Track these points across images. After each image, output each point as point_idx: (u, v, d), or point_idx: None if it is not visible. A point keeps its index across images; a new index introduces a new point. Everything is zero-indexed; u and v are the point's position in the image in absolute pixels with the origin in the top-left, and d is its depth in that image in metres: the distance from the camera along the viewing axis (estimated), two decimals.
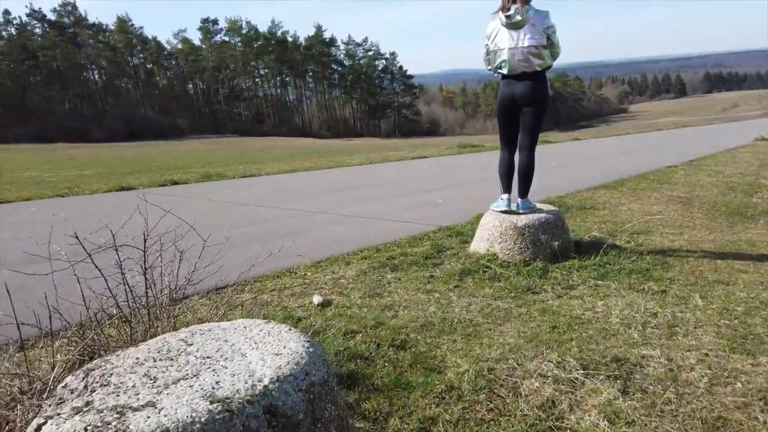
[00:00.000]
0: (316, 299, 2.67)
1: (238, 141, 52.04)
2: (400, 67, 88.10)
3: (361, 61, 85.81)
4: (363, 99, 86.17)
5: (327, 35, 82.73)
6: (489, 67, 3.65)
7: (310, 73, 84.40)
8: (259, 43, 78.57)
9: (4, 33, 66.53)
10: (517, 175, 3.66)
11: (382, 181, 8.29)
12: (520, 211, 3.60)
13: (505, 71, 3.53)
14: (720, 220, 4.69)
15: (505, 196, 3.66)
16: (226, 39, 78.33)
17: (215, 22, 77.16)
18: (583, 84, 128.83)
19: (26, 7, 68.80)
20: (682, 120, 68.78)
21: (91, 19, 73.10)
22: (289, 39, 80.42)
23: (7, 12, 67.09)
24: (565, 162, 10.42)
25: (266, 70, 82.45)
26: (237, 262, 3.44)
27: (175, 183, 8.18)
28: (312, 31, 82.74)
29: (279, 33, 79.73)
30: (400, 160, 12.29)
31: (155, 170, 14.32)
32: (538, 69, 3.46)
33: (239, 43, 78.72)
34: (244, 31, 78.03)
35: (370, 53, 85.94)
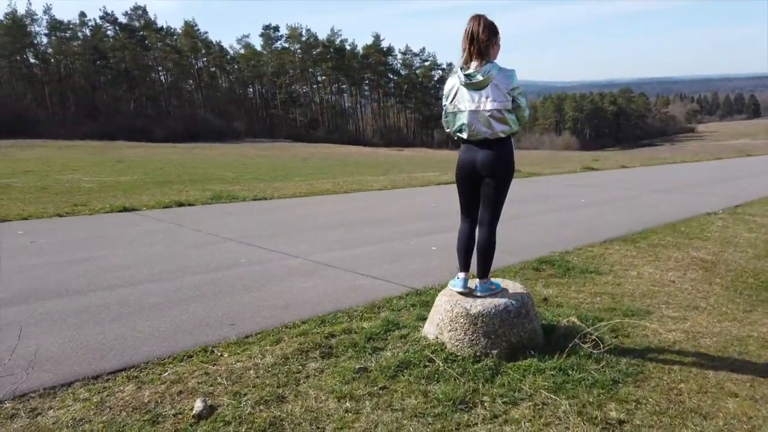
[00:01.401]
0: (197, 406, 2.30)
1: (290, 146, 52.76)
2: None
3: (417, 71, 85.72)
4: (417, 108, 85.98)
5: (384, 45, 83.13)
6: (448, 130, 3.20)
7: (366, 82, 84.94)
8: (318, 50, 79.81)
9: (79, 34, 70.29)
10: (476, 252, 3.18)
11: (388, 215, 7.88)
12: (478, 294, 3.11)
13: (464, 136, 3.08)
14: (740, 299, 4.02)
15: (461, 274, 3.19)
16: (286, 45, 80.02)
17: (276, 29, 78.95)
18: (648, 100, 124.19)
19: (100, 10, 72.13)
20: (752, 144, 64.83)
21: (160, 22, 76.06)
22: (348, 47, 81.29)
23: (82, 14, 70.93)
24: (596, 199, 9.69)
25: (323, 77, 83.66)
26: (149, 332, 3.12)
27: (181, 204, 8.05)
28: (370, 40, 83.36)
29: (338, 41, 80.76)
30: (425, 185, 11.82)
31: (187, 181, 14.43)
32: (502, 136, 2.99)
33: (299, 50, 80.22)
34: (303, 39, 79.46)
35: (427, 63, 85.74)
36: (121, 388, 2.48)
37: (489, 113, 2.93)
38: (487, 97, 2.93)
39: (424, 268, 4.79)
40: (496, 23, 2.98)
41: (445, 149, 70.34)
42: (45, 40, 68.47)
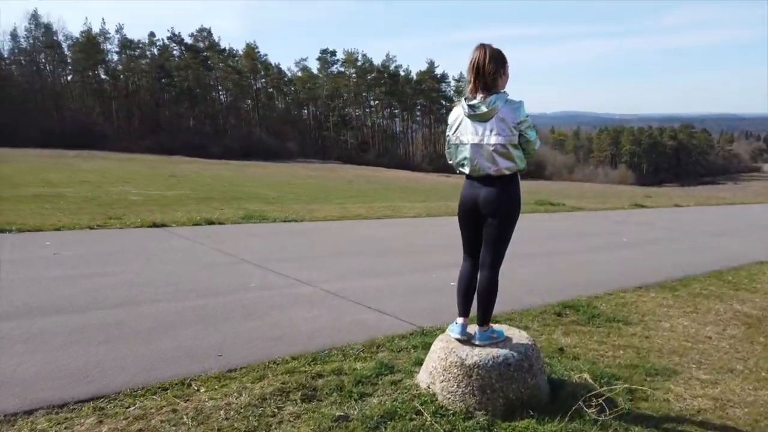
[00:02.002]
0: None
1: (339, 168, 53.35)
2: None
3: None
4: None
5: (438, 71, 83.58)
6: (451, 162, 3.01)
7: (419, 107, 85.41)
8: (373, 75, 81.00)
9: (147, 53, 73.95)
10: (476, 297, 2.94)
11: (415, 244, 7.67)
12: (476, 343, 2.86)
13: (466, 171, 2.87)
14: None
15: (460, 320, 2.95)
16: (342, 69, 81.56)
17: (333, 53, 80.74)
18: (711, 137, 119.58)
19: (168, 30, 75.79)
20: None
21: (223, 44, 79.10)
22: (401, 73, 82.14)
23: (152, 34, 74.74)
24: (639, 238, 9.17)
25: (376, 102, 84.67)
26: (132, 359, 3.01)
27: (211, 223, 8.09)
28: (424, 66, 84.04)
29: (392, 66, 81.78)
30: None
31: (229, 198, 14.66)
32: (507, 173, 2.77)
33: (354, 74, 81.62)
34: (359, 63, 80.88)
35: None
36: (82, 421, 2.36)
37: (493, 148, 2.72)
38: (491, 131, 2.73)
39: (438, 305, 4.55)
40: (503, 52, 2.79)
41: None
42: (116, 57, 72.41)
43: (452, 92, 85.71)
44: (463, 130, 2.84)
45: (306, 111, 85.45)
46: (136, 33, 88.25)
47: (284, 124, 79.07)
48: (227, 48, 77.80)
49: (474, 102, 2.74)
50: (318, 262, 5.88)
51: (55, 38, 67.97)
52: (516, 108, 2.71)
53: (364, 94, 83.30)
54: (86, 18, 71.85)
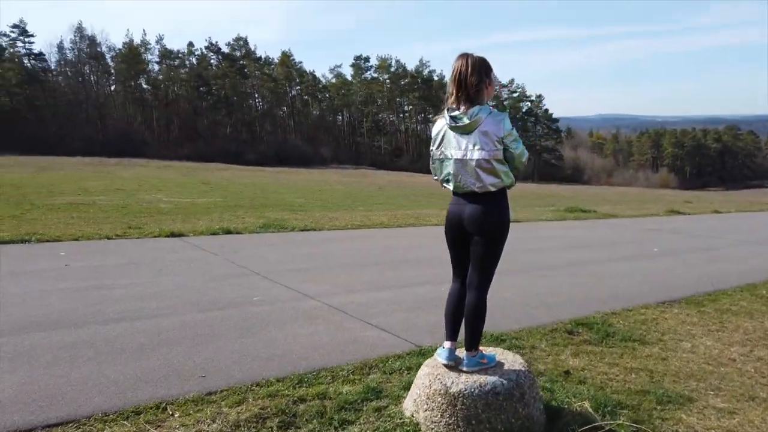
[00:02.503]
0: None
1: (371, 174, 53.45)
2: (546, 110, 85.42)
3: (506, 103, 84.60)
4: None
5: None
6: (435, 178, 2.85)
7: None
8: (406, 80, 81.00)
9: (186, 62, 75.83)
10: (464, 320, 2.77)
11: (431, 255, 7.47)
12: (464, 369, 2.69)
13: (450, 187, 2.72)
14: None
15: (447, 344, 2.78)
16: (375, 75, 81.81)
17: (367, 59, 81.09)
18: (758, 139, 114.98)
19: (206, 40, 77.59)
20: None
21: (259, 52, 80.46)
22: (435, 77, 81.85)
23: (191, 44, 76.53)
24: (671, 247, 8.75)
25: (410, 107, 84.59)
26: (113, 379, 2.94)
27: (229, 232, 8.09)
28: None
29: (425, 72, 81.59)
30: None
31: (256, 205, 14.74)
32: (492, 189, 2.59)
33: (387, 80, 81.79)
34: (392, 69, 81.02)
35: (515, 95, 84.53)
36: None
37: (476, 163, 2.56)
38: (474, 145, 2.57)
39: (442, 321, 4.36)
40: (487, 59, 2.62)
41: (529, 182, 68.50)
42: (156, 67, 74.48)
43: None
44: (446, 144, 2.69)
45: (340, 117, 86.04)
46: (176, 43, 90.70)
47: (318, 131, 79.81)
48: (263, 56, 79.10)
49: (456, 113, 2.58)
50: (328, 274, 5.78)
51: (99, 50, 70.40)
52: (499, 121, 2.54)
53: (397, 99, 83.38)
54: (128, 30, 74.05)
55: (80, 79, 70.43)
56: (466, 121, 2.54)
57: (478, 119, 2.52)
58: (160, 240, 7.25)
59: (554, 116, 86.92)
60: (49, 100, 64.94)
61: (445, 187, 2.78)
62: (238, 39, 77.30)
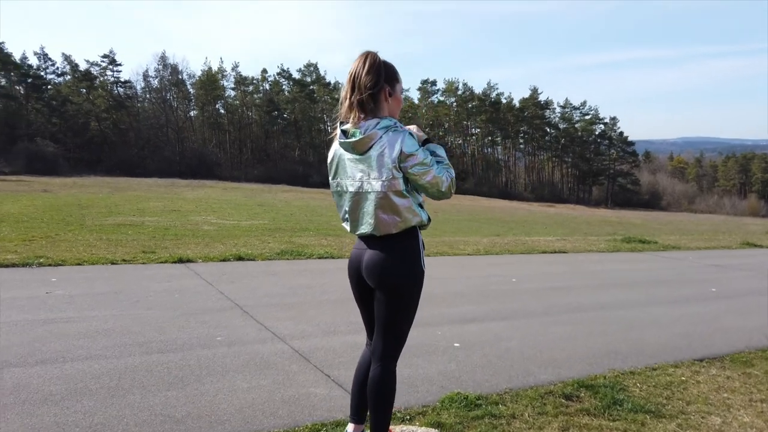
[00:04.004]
0: None
1: None
2: (620, 133, 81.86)
3: (577, 125, 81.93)
4: (575, 164, 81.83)
5: (542, 98, 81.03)
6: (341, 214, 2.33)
7: (522, 135, 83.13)
8: (474, 103, 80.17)
9: (260, 88, 78.76)
10: (368, 397, 2.20)
11: (443, 290, 6.85)
12: None
13: (347, 228, 2.19)
14: None
15: (350, 427, 2.21)
16: (442, 99, 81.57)
17: (434, 83, 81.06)
18: None
19: (278, 66, 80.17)
20: None
21: (329, 77, 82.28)
22: (503, 100, 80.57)
23: (264, 71, 79.44)
24: (734, 288, 7.63)
25: (477, 130, 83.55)
26: None
27: (240, 258, 7.81)
28: (527, 93, 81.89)
29: (493, 94, 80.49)
30: (528, 253, 10.44)
31: (297, 229, 14.56)
32: (394, 231, 2.04)
33: (454, 103, 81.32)
34: (459, 92, 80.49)
35: (588, 117, 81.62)
36: None
37: (373, 197, 2.04)
38: (369, 174, 2.04)
39: (421, 375, 3.78)
40: (395, 67, 2.09)
41: (602, 208, 65.52)
42: (232, 93, 77.81)
43: (557, 119, 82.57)
44: (341, 173, 2.17)
45: None
46: (251, 70, 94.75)
47: None
48: (333, 81, 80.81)
49: (347, 126, 2.07)
50: (316, 310, 5.29)
51: (180, 77, 74.44)
52: (397, 139, 2.00)
53: (464, 122, 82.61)
54: (206, 58, 78.21)
55: (162, 104, 74.61)
56: (358, 135, 2.03)
57: (373, 135, 2.00)
58: (165, 266, 7.04)
59: (630, 139, 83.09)
60: (133, 124, 69.11)
61: (345, 227, 2.26)
62: (308, 65, 79.54)
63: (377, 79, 2.04)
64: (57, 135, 60.15)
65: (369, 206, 2.05)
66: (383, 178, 2.00)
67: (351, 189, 2.11)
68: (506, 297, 6.48)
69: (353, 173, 2.10)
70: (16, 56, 61.58)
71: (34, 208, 18.17)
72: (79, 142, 62.59)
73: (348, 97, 2.07)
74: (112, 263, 6.99)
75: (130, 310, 4.93)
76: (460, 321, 5.24)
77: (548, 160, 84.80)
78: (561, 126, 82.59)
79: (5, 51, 60.03)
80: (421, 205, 2.10)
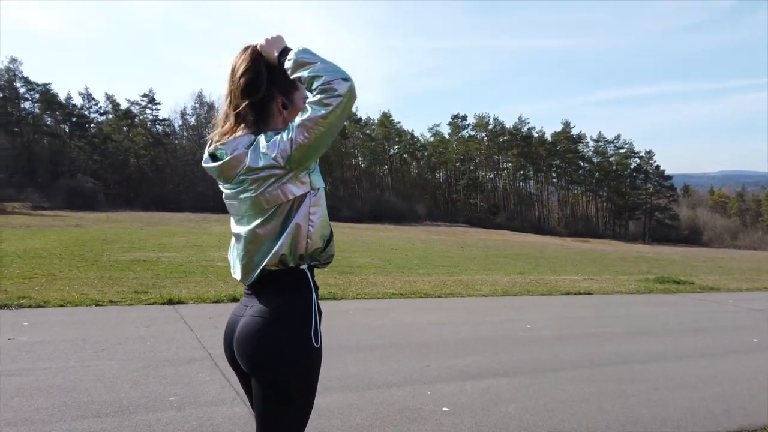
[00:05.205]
0: None
1: (463, 231, 51.97)
2: (657, 167, 79.80)
3: (611, 159, 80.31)
4: (610, 198, 79.91)
5: (574, 132, 80.00)
6: None
7: (554, 169, 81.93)
8: (505, 137, 79.66)
9: None
10: None
11: (450, 337, 6.25)
12: None
13: (237, 277, 1.72)
14: None
15: None
16: (473, 133, 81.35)
17: (464, 118, 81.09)
18: None
19: None
20: None
21: (360, 114, 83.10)
22: (535, 134, 79.84)
23: None
24: None
25: (509, 164, 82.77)
26: None
27: (235, 300, 7.37)
28: (559, 128, 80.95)
29: (525, 129, 79.89)
30: (549, 294, 9.70)
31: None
32: (268, 284, 1.58)
33: (485, 138, 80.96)
34: (490, 127, 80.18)
35: (622, 151, 79.98)
36: None
37: (243, 236, 1.60)
38: (243, 204, 1.60)
39: None
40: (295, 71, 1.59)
41: (639, 243, 63.34)
42: None
43: (591, 153, 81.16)
44: (230, 208, 1.72)
45: (438, 175, 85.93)
46: None
47: (414, 188, 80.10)
48: (363, 117, 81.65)
49: (213, 147, 1.62)
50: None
51: (216, 114, 76.41)
52: (256, 146, 1.55)
53: (495, 156, 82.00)
54: None
55: (198, 141, 76.49)
56: (225, 156, 1.57)
57: (240, 156, 1.54)
58: (151, 308, 6.65)
59: (667, 173, 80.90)
60: (170, 160, 70.84)
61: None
62: None
63: (255, 78, 1.58)
64: (98, 171, 62.02)
65: (242, 250, 1.62)
66: (256, 211, 1.56)
67: (233, 229, 1.68)
68: (516, 347, 5.83)
69: (231, 209, 1.66)
70: (62, 96, 64.21)
71: (59, 243, 18.30)
72: (118, 178, 64.40)
73: (228, 101, 1.63)
74: (97, 304, 6.64)
75: (89, 360, 4.50)
76: (457, 377, 4.63)
77: (582, 194, 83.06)
78: (595, 160, 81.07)
79: (52, 92, 62.77)
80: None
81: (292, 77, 1.54)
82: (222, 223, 39.97)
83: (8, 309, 6.15)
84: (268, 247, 1.57)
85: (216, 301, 7.25)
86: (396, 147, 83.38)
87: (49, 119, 65.29)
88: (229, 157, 1.55)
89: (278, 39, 1.61)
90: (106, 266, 11.61)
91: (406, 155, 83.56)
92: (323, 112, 1.44)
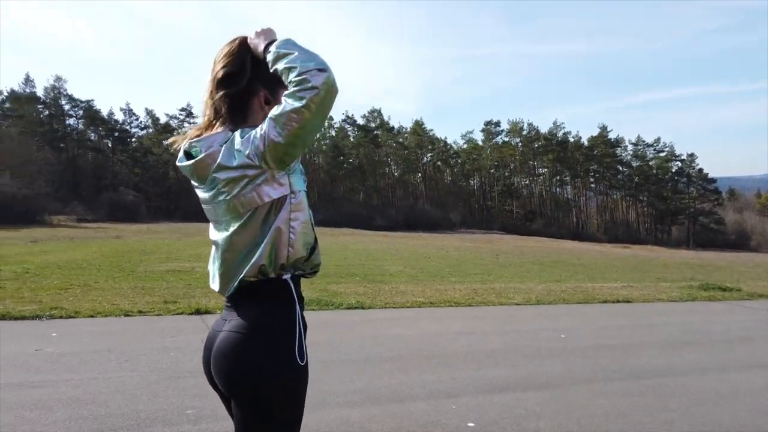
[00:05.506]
0: None
1: (498, 239, 51.28)
2: (700, 170, 77.22)
3: (651, 163, 78.12)
4: (650, 203, 77.68)
5: (612, 135, 78.23)
6: None
7: (592, 174, 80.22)
8: (540, 143, 78.52)
9: (327, 135, 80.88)
10: None
11: (480, 347, 6.03)
12: None
13: (216, 288, 1.61)
14: None
15: None
16: (506, 139, 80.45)
17: (497, 124, 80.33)
18: None
19: (342, 114, 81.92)
20: None
21: (393, 122, 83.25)
22: (571, 139, 78.41)
23: (330, 118, 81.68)
24: None
25: (545, 170, 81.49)
26: None
27: None
28: (596, 132, 79.26)
29: (560, 134, 78.57)
30: (586, 302, 9.35)
31: (345, 274, 14.06)
32: (245, 297, 1.46)
33: (519, 143, 79.96)
34: (524, 132, 79.17)
35: (662, 154, 77.73)
36: None
37: (219, 244, 1.49)
38: (222, 213, 1.50)
39: None
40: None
41: (683, 249, 61.29)
42: None
43: (630, 156, 79.16)
44: (207, 214, 1.61)
45: (472, 182, 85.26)
46: None
47: (448, 195, 79.65)
48: (396, 126, 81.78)
49: (188, 144, 1.52)
50: (316, 374, 4.64)
51: None
52: (231, 142, 1.44)
53: (530, 162, 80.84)
54: None
55: None
56: (200, 154, 1.47)
57: (214, 154, 1.43)
58: (179, 318, 6.66)
59: (711, 176, 78.19)
60: None
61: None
62: (372, 111, 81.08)
63: (238, 76, 1.48)
64: (139, 184, 63.79)
65: (223, 261, 1.51)
66: (232, 215, 1.45)
67: (212, 237, 1.57)
68: (548, 358, 5.58)
69: (209, 216, 1.55)
70: (104, 112, 66.41)
71: (99, 254, 18.78)
72: (158, 191, 66.06)
73: (206, 101, 1.53)
74: (127, 315, 6.68)
75: (112, 372, 4.49)
76: (485, 390, 4.44)
77: (621, 199, 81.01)
78: (634, 164, 79.00)
79: (95, 108, 65.03)
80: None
81: (271, 71, 1.44)
82: None
83: (40, 320, 6.25)
84: (246, 256, 1.46)
85: None
86: (429, 155, 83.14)
87: (92, 134, 67.59)
88: (203, 155, 1.45)
89: (268, 31, 1.51)
90: (141, 277, 11.80)
91: (439, 163, 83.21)
92: (297, 105, 1.33)
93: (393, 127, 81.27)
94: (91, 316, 6.53)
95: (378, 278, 13.25)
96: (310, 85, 1.33)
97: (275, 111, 1.36)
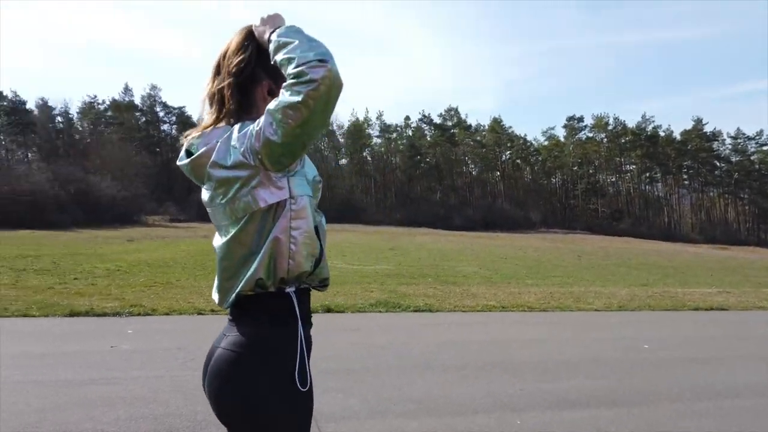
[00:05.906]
0: None
1: (580, 239, 49.19)
2: None
3: (753, 157, 72.03)
4: (753, 200, 71.69)
5: (708, 128, 72.90)
6: None
7: (684, 170, 75.20)
8: (627, 138, 74.63)
9: (403, 134, 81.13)
10: None
11: (548, 356, 5.66)
12: None
13: (215, 299, 1.48)
14: None
15: None
16: (591, 135, 77.12)
17: (581, 119, 77.15)
18: None
19: (419, 113, 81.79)
20: None
21: (470, 120, 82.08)
22: (661, 134, 73.90)
23: (407, 117, 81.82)
24: None
25: (632, 166, 77.38)
26: None
27: (329, 310, 7.31)
28: (689, 125, 74.17)
29: (649, 128, 74.23)
30: (676, 309, 8.63)
31: (417, 275, 13.91)
32: (242, 312, 1.33)
33: (604, 139, 76.43)
34: (610, 127, 75.54)
35: (766, 148, 71.40)
36: None
37: (217, 251, 1.37)
38: (218, 211, 1.38)
39: None
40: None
41: None
42: (377, 140, 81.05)
43: (728, 151, 73.47)
44: (211, 218, 1.50)
45: (554, 180, 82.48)
46: (394, 118, 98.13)
47: (528, 194, 77.52)
48: (474, 124, 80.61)
49: (188, 142, 1.41)
50: (377, 378, 4.51)
51: (331, 128, 79.41)
52: (228, 138, 1.31)
53: (617, 159, 76.98)
54: (353, 109, 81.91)
55: (318, 155, 79.89)
56: (199, 152, 1.36)
57: (210, 151, 1.32)
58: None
59: None
60: None
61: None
62: (449, 110, 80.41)
63: (247, 61, 1.37)
64: None
65: (222, 271, 1.40)
66: (228, 219, 1.34)
67: (214, 242, 1.46)
68: (628, 370, 5.14)
69: (212, 218, 1.44)
70: (194, 118, 70.03)
71: (186, 253, 19.74)
72: None
73: (208, 89, 1.43)
74: (200, 313, 6.88)
75: (176, 370, 4.59)
76: (554, 404, 4.13)
77: (719, 196, 75.35)
78: (733, 159, 73.20)
79: (186, 114, 68.82)
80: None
81: (272, 62, 1.31)
82: (335, 233, 41.13)
83: (119, 317, 6.56)
84: (243, 265, 1.34)
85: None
86: (508, 152, 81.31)
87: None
88: (199, 152, 1.35)
89: (274, 17, 1.39)
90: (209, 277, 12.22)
91: (518, 161, 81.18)
92: (293, 100, 1.19)
93: (470, 125, 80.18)
94: (167, 314, 6.78)
95: (450, 279, 12.98)
96: (307, 78, 1.19)
97: (272, 104, 1.24)
